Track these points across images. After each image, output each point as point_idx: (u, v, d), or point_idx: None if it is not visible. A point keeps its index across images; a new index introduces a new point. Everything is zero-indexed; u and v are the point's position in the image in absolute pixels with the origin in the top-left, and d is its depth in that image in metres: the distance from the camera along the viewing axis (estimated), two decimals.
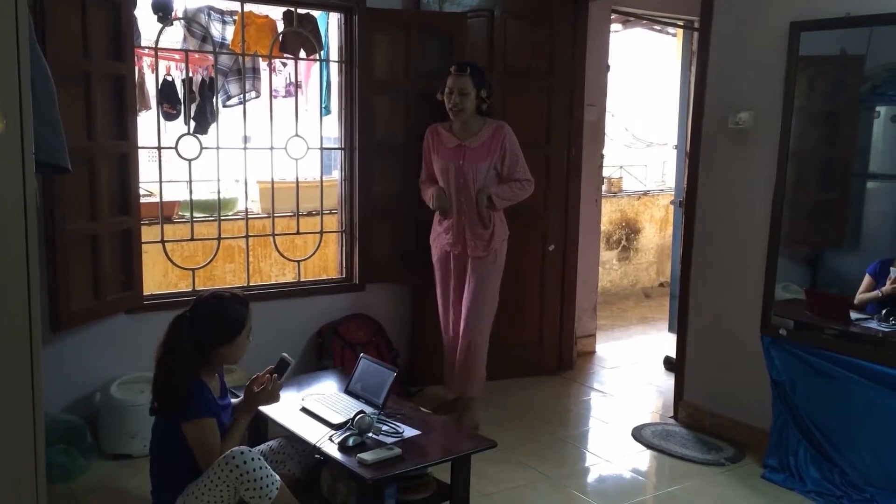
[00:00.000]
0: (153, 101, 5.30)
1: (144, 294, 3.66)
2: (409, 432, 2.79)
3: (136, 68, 4.29)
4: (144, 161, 3.73)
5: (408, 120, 4.11)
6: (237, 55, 5.06)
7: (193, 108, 5.48)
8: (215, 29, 5.19)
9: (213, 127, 5.07)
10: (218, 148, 3.90)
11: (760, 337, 3.45)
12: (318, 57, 4.49)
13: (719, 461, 3.50)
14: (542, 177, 4.25)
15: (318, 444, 2.68)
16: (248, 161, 4.01)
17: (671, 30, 6.81)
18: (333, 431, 2.74)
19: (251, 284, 4.25)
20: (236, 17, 5.01)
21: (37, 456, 1.96)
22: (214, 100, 5.12)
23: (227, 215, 5.50)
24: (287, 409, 2.88)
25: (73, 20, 3.15)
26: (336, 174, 4.39)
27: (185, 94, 5.07)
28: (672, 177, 6.64)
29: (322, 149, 4.32)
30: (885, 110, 3.31)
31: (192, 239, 4.17)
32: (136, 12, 3.62)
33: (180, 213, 5.52)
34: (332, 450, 2.64)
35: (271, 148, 4.04)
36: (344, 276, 4.29)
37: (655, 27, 7.14)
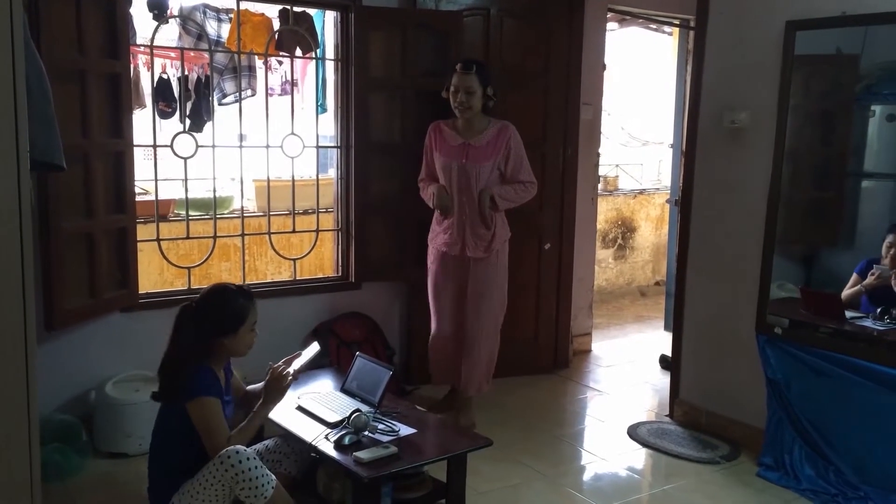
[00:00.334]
0: (148, 99, 5.29)
1: (140, 292, 3.66)
2: (405, 431, 2.79)
3: (132, 66, 4.28)
4: (140, 159, 3.71)
5: (404, 118, 4.11)
6: (233, 53, 5.05)
7: (189, 106, 5.46)
8: (211, 27, 5.18)
9: (208, 125, 5.05)
10: (214, 146, 3.89)
11: (756, 335, 3.45)
12: (314, 55, 4.49)
13: (714, 459, 3.51)
14: (539, 175, 4.22)
15: (314, 443, 2.68)
16: (244, 159, 4.01)
17: (667, 29, 6.82)
18: (329, 430, 2.74)
19: (247, 283, 4.24)
20: (232, 15, 5.00)
21: (32, 455, 1.96)
22: (210, 98, 5.11)
23: (223, 214, 5.49)
24: (283, 408, 2.87)
25: (68, 18, 3.14)
26: (332, 172, 4.39)
27: (180, 92, 5.06)
28: (668, 175, 6.65)
29: (318, 147, 4.32)
30: (880, 109, 3.32)
31: (187, 237, 4.17)
32: (132, 10, 3.61)
33: (176, 211, 5.51)
34: (328, 448, 2.65)
35: (267, 146, 4.03)
36: (340, 274, 4.29)
37: (651, 26, 7.14)
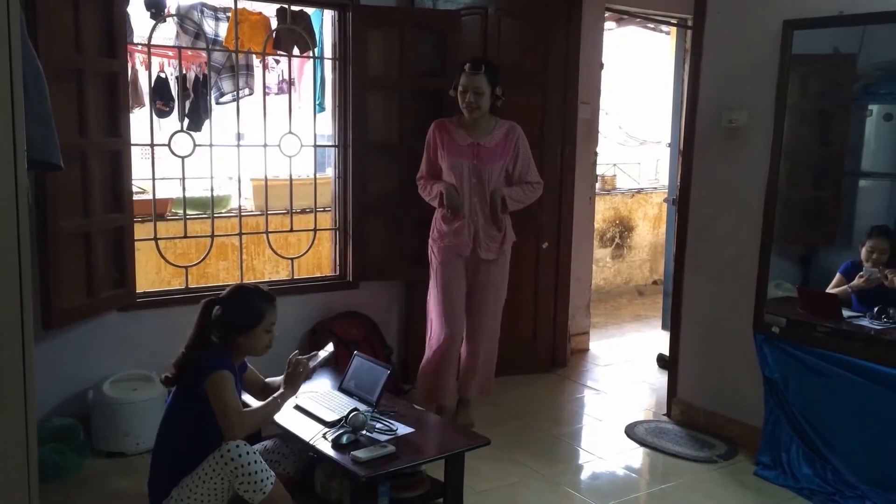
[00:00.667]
0: (146, 98, 5.28)
1: (137, 292, 3.65)
2: (403, 430, 2.79)
3: (129, 65, 4.27)
4: (137, 158, 3.70)
5: (402, 117, 4.11)
6: (231, 52, 5.04)
7: (187, 105, 5.46)
8: (208, 26, 5.17)
9: (206, 124, 5.05)
10: (211, 145, 3.89)
11: (753, 334, 3.46)
12: (311, 54, 4.48)
13: (712, 458, 3.51)
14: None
15: (311, 442, 2.68)
16: (242, 158, 4.00)
17: (665, 28, 6.83)
18: (327, 429, 2.74)
19: (245, 282, 4.24)
20: (229, 14, 5.00)
21: (29, 454, 1.95)
22: (208, 97, 5.10)
23: (221, 213, 5.48)
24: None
25: (65, 16, 3.13)
26: (330, 171, 4.39)
27: (178, 91, 5.06)
28: (665, 175, 6.66)
29: (316, 146, 4.31)
30: (878, 109, 3.33)
31: (185, 236, 4.16)
32: (129, 9, 3.61)
33: (173, 210, 5.50)
34: (326, 447, 2.65)
35: (265, 145, 4.03)
36: (337, 273, 4.29)
37: (649, 25, 7.14)
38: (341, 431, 2.69)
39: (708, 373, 3.81)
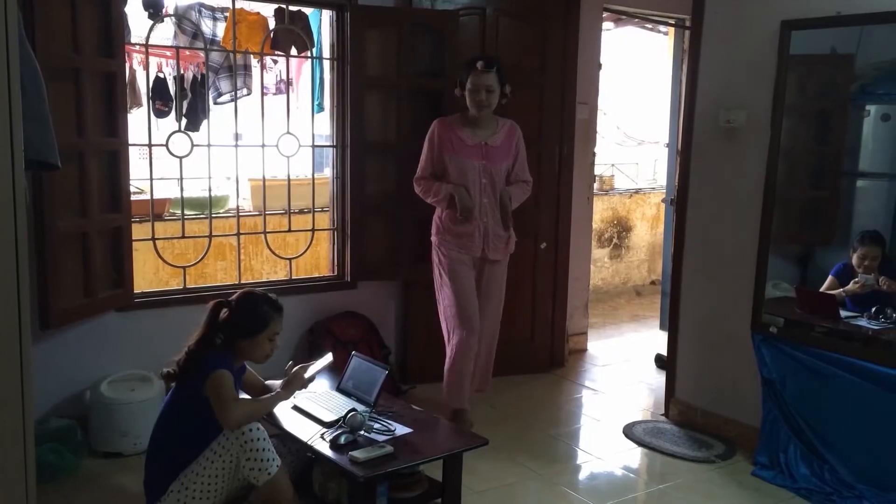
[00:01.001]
0: (144, 98, 5.28)
1: (135, 292, 3.64)
2: (401, 430, 2.79)
3: (127, 65, 4.26)
4: (135, 158, 3.70)
5: (400, 117, 4.10)
6: (228, 52, 5.04)
7: (185, 105, 5.46)
8: (206, 26, 5.17)
9: (204, 124, 5.05)
10: (209, 145, 3.89)
11: (751, 335, 3.46)
12: (309, 54, 4.48)
13: (710, 458, 3.51)
14: (535, 175, 4.23)
15: (309, 442, 2.68)
16: (240, 158, 4.00)
17: (663, 28, 6.83)
18: (325, 429, 2.74)
19: (242, 282, 4.24)
20: (227, 14, 4.99)
21: (27, 455, 1.95)
22: (206, 97, 5.10)
23: (219, 213, 5.48)
24: (279, 408, 2.87)
25: (62, 16, 3.13)
26: (328, 172, 4.38)
27: (176, 91, 5.05)
28: (663, 175, 6.66)
29: (314, 146, 4.31)
30: (875, 109, 3.33)
31: (183, 237, 4.16)
32: (127, 8, 3.60)
33: (171, 210, 5.50)
34: (324, 448, 2.64)
35: (263, 145, 4.03)
36: (335, 273, 4.28)
37: (647, 25, 7.15)
38: (339, 432, 2.69)
39: (706, 373, 3.81)
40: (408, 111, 4.09)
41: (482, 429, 3.50)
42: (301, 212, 5.03)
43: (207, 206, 4.21)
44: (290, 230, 4.38)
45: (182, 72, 5.44)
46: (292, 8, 4.12)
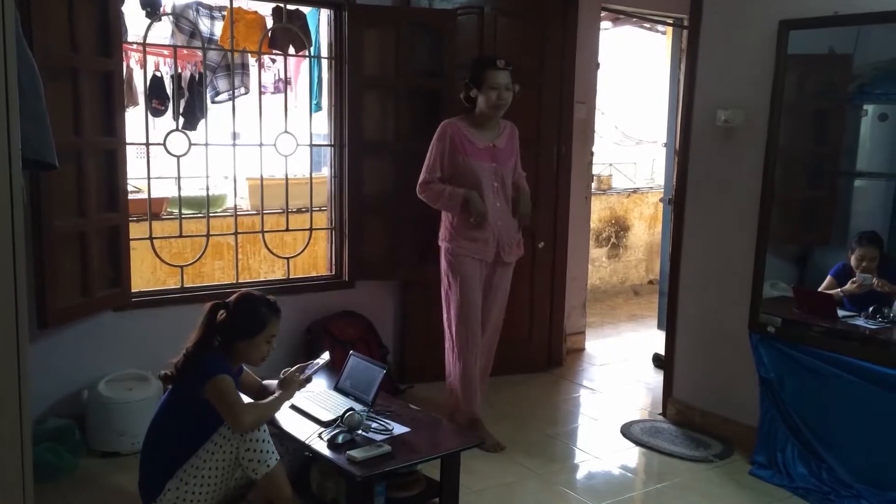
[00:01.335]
0: (141, 97, 5.27)
1: (132, 291, 3.64)
2: (399, 429, 2.79)
3: (125, 64, 4.26)
4: (132, 157, 3.71)
5: (398, 117, 4.10)
6: (226, 51, 5.03)
7: (182, 104, 5.45)
8: (204, 24, 5.16)
9: (201, 123, 5.04)
10: (207, 144, 3.88)
11: (749, 334, 3.46)
12: (307, 53, 4.48)
13: (707, 458, 3.52)
14: (532, 174, 4.24)
15: (307, 442, 2.68)
16: (237, 157, 3.99)
17: (661, 28, 6.84)
18: (323, 429, 2.74)
19: (240, 282, 4.24)
20: (225, 13, 4.99)
21: (24, 454, 1.95)
22: (203, 96, 5.10)
23: (216, 212, 5.47)
24: None
25: (60, 15, 3.12)
26: (325, 171, 4.38)
27: (173, 90, 5.05)
28: (661, 174, 6.66)
29: (311, 145, 4.31)
30: (873, 109, 3.33)
31: (180, 236, 4.15)
32: (124, 7, 3.60)
33: (169, 209, 5.50)
34: (322, 447, 2.64)
35: (260, 144, 4.02)
36: (333, 273, 4.28)
37: (645, 25, 7.16)
38: (337, 431, 2.69)
39: (703, 372, 3.82)
40: (406, 111, 4.09)
41: None
42: (299, 211, 5.03)
43: (205, 205, 4.20)
44: (287, 229, 4.38)
45: (180, 71, 5.44)
46: (290, 7, 4.11)
